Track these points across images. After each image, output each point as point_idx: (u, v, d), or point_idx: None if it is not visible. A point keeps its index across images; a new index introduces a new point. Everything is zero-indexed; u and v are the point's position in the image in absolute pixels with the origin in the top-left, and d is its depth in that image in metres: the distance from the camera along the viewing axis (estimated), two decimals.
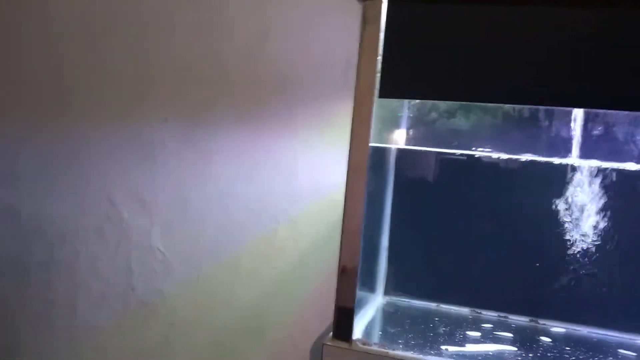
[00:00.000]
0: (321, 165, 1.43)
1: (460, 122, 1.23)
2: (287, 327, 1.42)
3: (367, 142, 0.81)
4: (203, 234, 1.39)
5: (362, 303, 1.11)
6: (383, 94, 0.84)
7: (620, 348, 1.06)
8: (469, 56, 0.83)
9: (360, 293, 1.01)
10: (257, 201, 1.44)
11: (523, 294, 1.21)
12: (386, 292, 1.28)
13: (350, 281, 0.90)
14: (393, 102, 1.21)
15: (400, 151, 1.28)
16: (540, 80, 0.85)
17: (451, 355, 0.89)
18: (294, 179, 1.46)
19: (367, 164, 0.83)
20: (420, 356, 0.85)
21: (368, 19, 0.79)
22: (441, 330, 1.05)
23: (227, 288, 1.37)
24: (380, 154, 1.17)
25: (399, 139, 1.32)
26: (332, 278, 1.45)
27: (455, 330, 1.05)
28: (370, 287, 1.21)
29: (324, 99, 1.40)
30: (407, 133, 1.29)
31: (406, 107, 1.27)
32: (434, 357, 0.86)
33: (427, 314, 1.17)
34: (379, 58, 0.82)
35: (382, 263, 1.26)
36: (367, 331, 0.99)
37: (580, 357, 0.97)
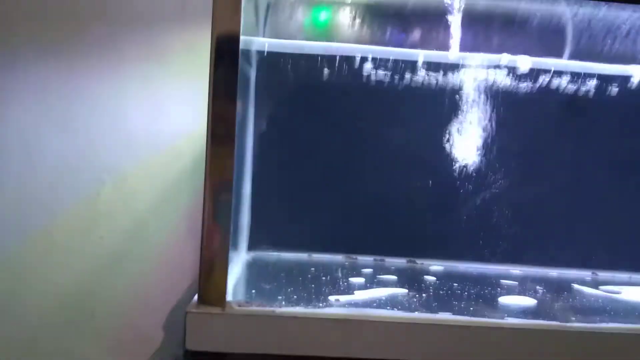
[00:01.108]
0: (160, 106, 1.19)
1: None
2: (126, 306, 1.17)
3: (239, 30, 0.60)
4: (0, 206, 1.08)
5: None
6: None
7: (500, 278, 1.01)
8: None
9: None
10: (74, 155, 1.16)
11: (397, 235, 1.12)
12: (250, 247, 1.09)
13: (223, 230, 0.70)
14: None
15: (263, 53, 1.06)
16: None
17: (344, 304, 0.74)
18: (123, 125, 1.21)
19: (238, 68, 0.62)
20: (316, 310, 0.69)
21: None
22: (322, 279, 0.90)
23: (38, 272, 1.11)
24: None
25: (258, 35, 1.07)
26: (179, 241, 1.22)
27: (336, 279, 0.91)
28: (232, 243, 1.02)
29: (163, 23, 1.15)
30: (267, 29, 1.07)
31: None
32: (329, 309, 0.70)
33: (301, 265, 1.01)
34: None
35: (244, 213, 1.06)
36: (236, 291, 0.80)
37: (471, 290, 0.89)
